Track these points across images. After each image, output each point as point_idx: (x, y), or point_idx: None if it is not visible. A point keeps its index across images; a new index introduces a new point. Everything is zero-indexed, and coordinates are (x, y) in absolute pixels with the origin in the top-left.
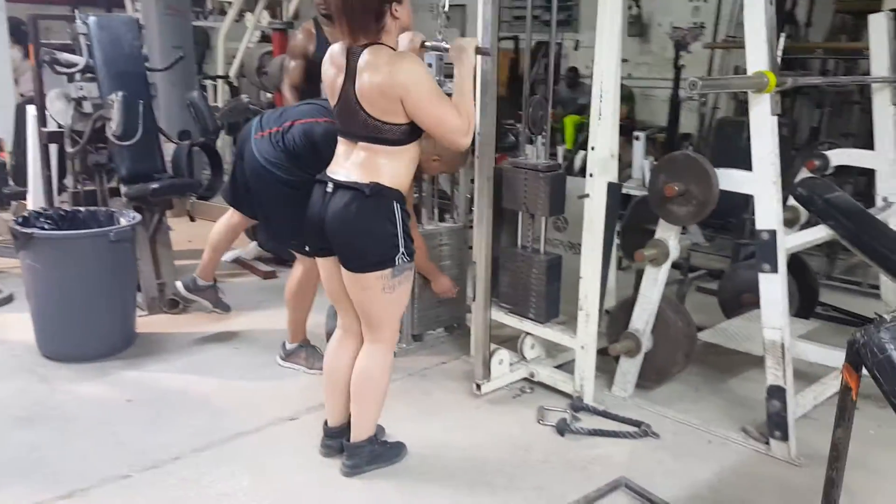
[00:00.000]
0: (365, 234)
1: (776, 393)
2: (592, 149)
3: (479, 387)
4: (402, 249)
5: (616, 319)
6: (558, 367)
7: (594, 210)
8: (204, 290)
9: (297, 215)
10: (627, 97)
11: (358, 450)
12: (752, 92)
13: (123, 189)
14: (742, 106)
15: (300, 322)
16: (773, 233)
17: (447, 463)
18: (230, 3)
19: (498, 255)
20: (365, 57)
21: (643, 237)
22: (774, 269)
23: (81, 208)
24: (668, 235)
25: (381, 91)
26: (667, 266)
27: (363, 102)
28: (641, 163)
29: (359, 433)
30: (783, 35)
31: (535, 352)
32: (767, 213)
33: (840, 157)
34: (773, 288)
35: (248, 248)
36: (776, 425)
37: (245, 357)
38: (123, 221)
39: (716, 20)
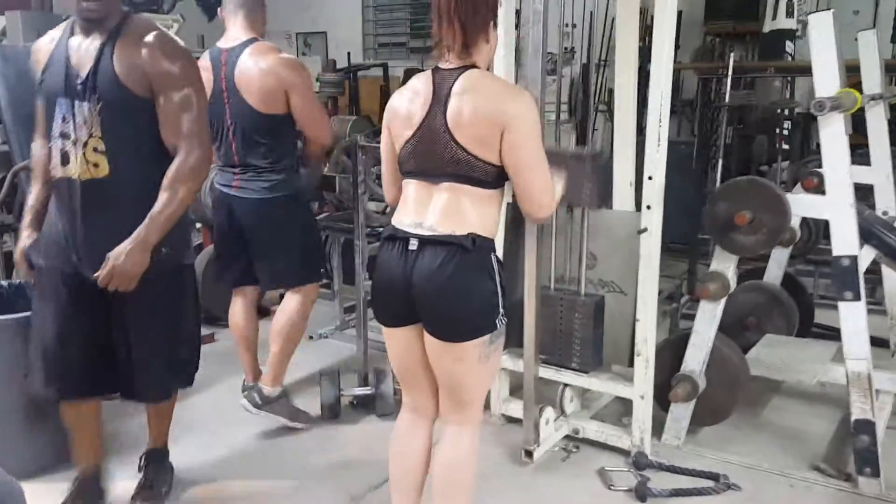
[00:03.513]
0: (466, 296)
1: (864, 427)
2: (650, 178)
3: (529, 454)
4: (501, 310)
5: (659, 361)
6: (592, 417)
7: (652, 245)
8: (274, 402)
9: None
10: None
11: None
12: (822, 113)
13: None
14: None
15: (284, 363)
16: (854, 258)
17: None
18: None
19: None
20: (464, 80)
21: None
22: (857, 297)
23: (2, 282)
24: (727, 267)
25: (484, 115)
26: (724, 300)
27: (455, 131)
28: None
29: None
30: None
31: (574, 405)
32: (846, 238)
33: None
34: (856, 317)
35: None
36: (865, 461)
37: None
38: None
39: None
